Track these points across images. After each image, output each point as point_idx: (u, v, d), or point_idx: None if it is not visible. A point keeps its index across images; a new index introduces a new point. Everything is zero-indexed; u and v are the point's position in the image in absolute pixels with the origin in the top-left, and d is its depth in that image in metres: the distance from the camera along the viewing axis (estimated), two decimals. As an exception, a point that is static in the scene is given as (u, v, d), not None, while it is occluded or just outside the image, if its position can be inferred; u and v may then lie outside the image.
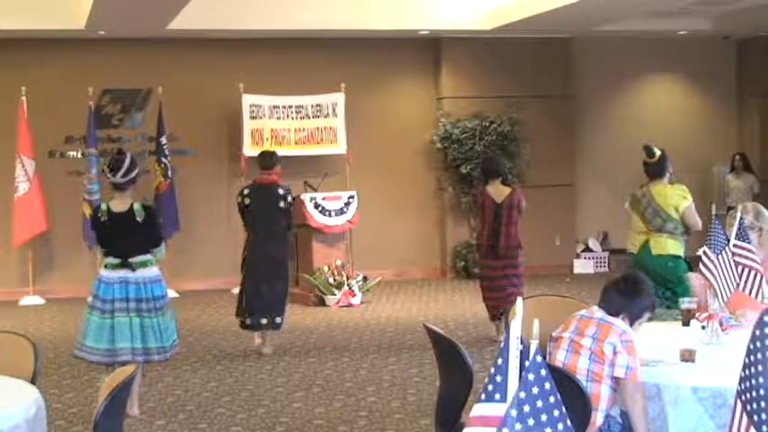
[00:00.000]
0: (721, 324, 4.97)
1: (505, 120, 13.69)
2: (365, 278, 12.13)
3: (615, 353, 4.22)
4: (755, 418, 2.80)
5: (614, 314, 4.38)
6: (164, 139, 12.71)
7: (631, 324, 4.41)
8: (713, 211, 5.16)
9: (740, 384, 2.87)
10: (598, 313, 4.40)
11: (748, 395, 2.82)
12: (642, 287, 4.51)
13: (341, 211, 12.18)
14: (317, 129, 13.08)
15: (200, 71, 13.29)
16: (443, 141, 13.67)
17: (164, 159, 12.68)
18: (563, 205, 14.29)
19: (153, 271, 6.97)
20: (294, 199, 9.17)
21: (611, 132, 14.88)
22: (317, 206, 11.98)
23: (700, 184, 14.76)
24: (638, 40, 14.38)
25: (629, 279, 4.56)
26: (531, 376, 2.63)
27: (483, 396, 2.77)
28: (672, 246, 7.19)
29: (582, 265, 14.35)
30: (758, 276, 5.08)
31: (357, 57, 13.73)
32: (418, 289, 13.06)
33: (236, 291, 12.11)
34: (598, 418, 4.22)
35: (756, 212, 5.70)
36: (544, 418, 2.63)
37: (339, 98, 13.08)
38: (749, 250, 5.13)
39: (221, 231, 13.26)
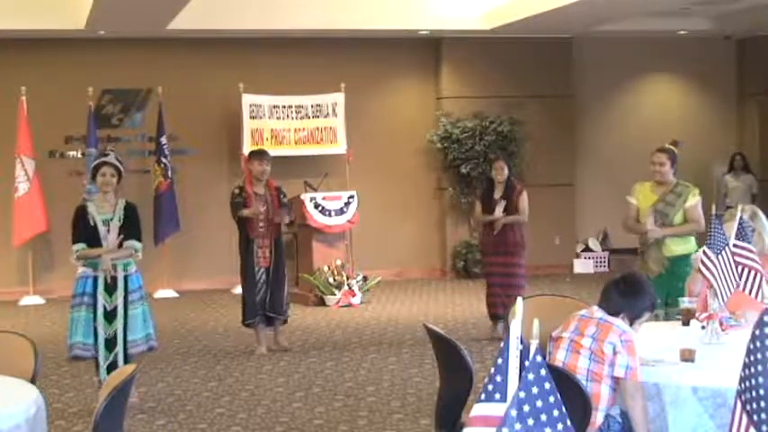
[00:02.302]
0: (721, 324, 4.98)
1: (505, 120, 13.69)
2: (365, 278, 12.13)
3: (615, 353, 4.22)
4: (755, 417, 2.80)
5: (614, 314, 4.39)
6: (164, 139, 12.71)
7: (631, 324, 4.41)
8: (713, 211, 5.15)
9: (740, 384, 2.87)
10: (598, 313, 4.40)
11: (748, 395, 2.82)
12: (642, 287, 4.51)
13: (341, 211, 12.18)
14: (317, 129, 13.07)
15: (200, 71, 13.29)
16: (443, 141, 13.67)
17: (164, 159, 12.68)
18: (563, 205, 14.29)
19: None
20: (232, 196, 8.98)
21: (611, 132, 14.89)
22: (317, 206, 11.98)
23: (699, 184, 14.69)
24: (638, 40, 14.38)
25: (629, 279, 4.56)
26: (530, 376, 2.64)
27: (483, 396, 2.77)
28: None
29: (582, 265, 14.35)
30: (758, 276, 5.07)
31: (357, 57, 13.73)
32: (418, 289, 13.06)
33: (237, 291, 12.16)
34: (598, 418, 4.22)
35: (752, 213, 5.69)
36: (544, 417, 2.63)
37: (339, 98, 13.07)
38: (749, 250, 5.13)
39: (221, 231, 13.22)
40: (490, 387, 2.75)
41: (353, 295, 11.77)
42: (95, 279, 6.94)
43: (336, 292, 11.69)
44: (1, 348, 4.84)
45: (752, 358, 2.80)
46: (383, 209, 13.73)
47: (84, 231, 6.95)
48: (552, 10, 11.65)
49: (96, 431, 3.87)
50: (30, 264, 12.60)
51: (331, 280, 11.74)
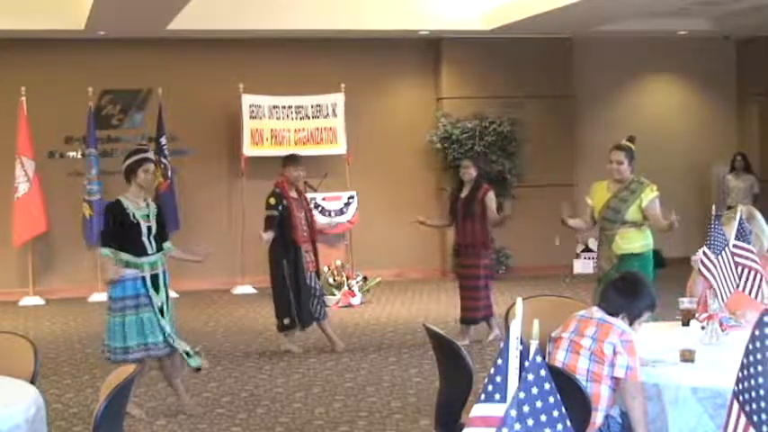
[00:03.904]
0: (721, 324, 4.98)
1: (505, 120, 13.69)
2: (365, 278, 12.13)
3: (615, 353, 4.22)
4: (755, 418, 2.79)
5: (614, 314, 4.39)
6: (163, 140, 12.71)
7: (631, 324, 4.41)
8: (713, 212, 5.15)
9: (737, 385, 2.86)
10: (598, 313, 4.40)
11: (747, 395, 2.82)
12: (642, 287, 4.51)
13: (341, 212, 12.18)
14: (317, 129, 13.07)
15: (200, 71, 13.29)
16: (443, 142, 13.66)
17: (163, 159, 12.67)
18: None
19: None
20: (268, 206, 8.83)
21: (611, 132, 14.81)
22: (316, 206, 11.97)
23: (699, 184, 14.77)
24: (638, 40, 14.38)
25: (628, 279, 4.56)
26: (530, 377, 2.64)
27: (483, 396, 2.77)
28: None
29: (582, 265, 14.32)
30: (758, 276, 5.07)
31: (357, 57, 13.72)
32: (418, 289, 13.05)
33: (237, 291, 12.13)
34: (598, 418, 4.22)
35: (749, 215, 5.68)
36: (544, 418, 2.63)
37: (339, 98, 13.07)
38: (749, 250, 5.13)
39: (221, 231, 13.26)
40: (490, 387, 2.75)
41: (353, 296, 11.76)
42: (143, 279, 6.90)
43: (336, 292, 11.68)
44: (1, 348, 4.85)
45: (751, 359, 2.79)
46: (383, 209, 13.72)
47: (119, 230, 6.83)
48: (552, 10, 11.65)
49: (96, 431, 3.87)
50: (30, 264, 12.59)
51: (331, 280, 11.74)
